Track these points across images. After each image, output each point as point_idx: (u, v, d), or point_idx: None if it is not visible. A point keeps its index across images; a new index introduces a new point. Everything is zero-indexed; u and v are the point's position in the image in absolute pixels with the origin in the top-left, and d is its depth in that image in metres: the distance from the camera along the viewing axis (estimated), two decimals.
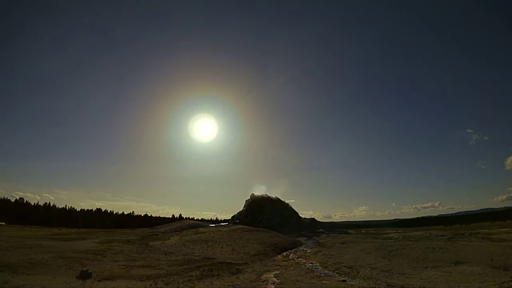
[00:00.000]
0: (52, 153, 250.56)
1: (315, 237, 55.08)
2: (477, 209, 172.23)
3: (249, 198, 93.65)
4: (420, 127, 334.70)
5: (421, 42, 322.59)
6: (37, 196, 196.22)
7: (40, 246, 21.21)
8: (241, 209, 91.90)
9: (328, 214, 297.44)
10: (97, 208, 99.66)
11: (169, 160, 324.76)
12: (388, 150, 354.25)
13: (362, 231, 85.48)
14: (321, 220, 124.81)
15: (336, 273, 18.17)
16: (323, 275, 17.40)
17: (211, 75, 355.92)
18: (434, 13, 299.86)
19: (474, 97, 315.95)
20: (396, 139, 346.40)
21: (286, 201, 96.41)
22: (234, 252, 26.88)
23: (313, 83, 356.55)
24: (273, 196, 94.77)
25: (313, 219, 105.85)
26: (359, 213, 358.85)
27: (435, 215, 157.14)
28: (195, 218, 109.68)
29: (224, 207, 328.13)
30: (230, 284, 13.89)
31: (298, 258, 26.01)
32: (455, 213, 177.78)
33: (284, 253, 30.13)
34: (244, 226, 51.60)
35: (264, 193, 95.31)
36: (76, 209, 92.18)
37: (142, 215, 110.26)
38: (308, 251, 32.03)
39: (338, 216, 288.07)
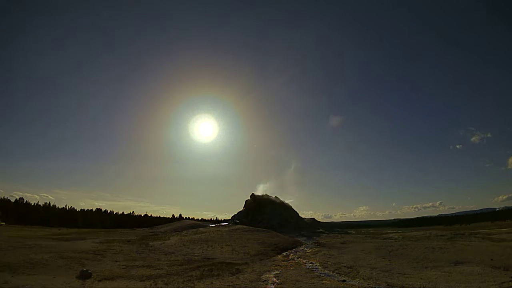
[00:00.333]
0: (51, 153, 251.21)
1: (315, 237, 55.05)
2: (477, 209, 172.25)
3: (249, 198, 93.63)
4: (420, 127, 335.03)
5: (420, 42, 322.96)
6: (37, 196, 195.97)
7: (40, 246, 21.20)
8: (241, 209, 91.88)
9: (328, 214, 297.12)
10: (97, 208, 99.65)
11: (169, 160, 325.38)
12: (389, 150, 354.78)
13: (362, 231, 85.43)
14: (321, 220, 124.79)
15: (336, 273, 18.17)
16: (323, 275, 17.39)
17: (211, 75, 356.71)
18: (434, 13, 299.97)
19: (475, 97, 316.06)
20: (396, 139, 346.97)
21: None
22: (234, 252, 26.88)
23: (313, 83, 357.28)
24: (273, 196, 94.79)
25: (313, 219, 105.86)
26: (359, 213, 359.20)
27: (435, 215, 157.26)
28: (195, 218, 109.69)
29: (224, 207, 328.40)
30: (230, 284, 13.89)
31: (298, 258, 26.00)
32: (455, 213, 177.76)
33: (284, 253, 30.12)
34: (244, 226, 51.58)
35: (264, 193, 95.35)
36: (76, 209, 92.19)
37: (142, 215, 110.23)
38: (308, 251, 32.02)
39: (338, 216, 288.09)
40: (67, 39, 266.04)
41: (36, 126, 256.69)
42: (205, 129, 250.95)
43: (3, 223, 55.32)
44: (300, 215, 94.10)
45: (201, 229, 48.12)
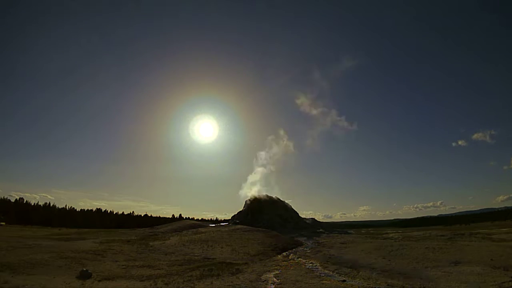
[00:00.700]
0: (51, 153, 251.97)
1: (315, 237, 55.02)
2: (477, 209, 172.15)
3: (249, 198, 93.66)
4: (421, 127, 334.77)
5: (420, 42, 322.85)
6: (36, 196, 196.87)
7: (40, 246, 21.21)
8: (241, 209, 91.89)
9: (328, 214, 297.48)
10: (97, 208, 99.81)
11: (170, 160, 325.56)
12: (389, 149, 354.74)
13: (362, 231, 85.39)
14: (321, 220, 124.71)
15: (336, 273, 18.16)
16: (323, 275, 17.39)
17: (211, 76, 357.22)
18: (434, 13, 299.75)
19: (476, 97, 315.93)
20: (397, 138, 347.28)
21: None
22: (234, 252, 26.87)
23: (313, 83, 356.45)
24: (273, 196, 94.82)
25: (313, 219, 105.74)
26: (360, 213, 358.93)
27: (435, 215, 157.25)
28: (195, 218, 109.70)
29: (224, 207, 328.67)
30: (230, 284, 13.88)
31: (298, 258, 26.00)
32: (456, 213, 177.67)
33: (284, 253, 30.11)
34: (244, 226, 51.57)
35: (264, 193, 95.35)
36: (76, 209, 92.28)
37: (142, 215, 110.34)
38: (308, 251, 32.02)
39: (338, 216, 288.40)
40: (68, 40, 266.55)
41: (35, 126, 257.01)
42: (206, 129, 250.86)
43: (3, 223, 55.33)
44: (300, 215, 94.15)
45: (201, 229, 48.10)
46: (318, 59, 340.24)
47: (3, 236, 28.13)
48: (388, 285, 14.34)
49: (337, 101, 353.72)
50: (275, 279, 15.61)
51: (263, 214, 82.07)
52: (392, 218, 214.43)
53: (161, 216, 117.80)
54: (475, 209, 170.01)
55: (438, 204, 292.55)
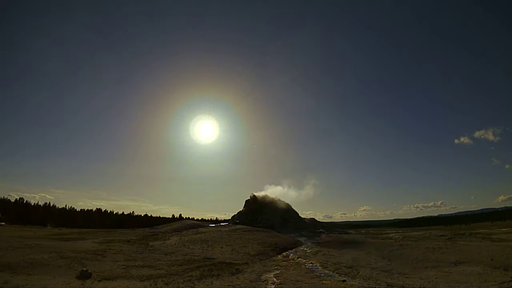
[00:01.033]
0: (50, 153, 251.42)
1: (315, 237, 55.02)
2: (478, 209, 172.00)
3: (249, 198, 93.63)
4: (422, 126, 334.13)
5: (420, 42, 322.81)
6: (36, 196, 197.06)
7: (40, 246, 21.20)
8: (241, 209, 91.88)
9: (329, 214, 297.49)
10: (97, 208, 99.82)
11: (170, 160, 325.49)
12: (390, 149, 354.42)
13: (362, 231, 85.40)
14: (322, 220, 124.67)
15: (336, 273, 18.16)
16: (323, 275, 17.39)
17: (212, 77, 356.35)
18: (435, 13, 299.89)
19: (477, 97, 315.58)
20: (397, 139, 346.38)
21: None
22: (234, 252, 26.87)
23: (313, 84, 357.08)
24: (273, 196, 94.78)
25: (313, 219, 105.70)
26: (360, 213, 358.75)
27: (435, 215, 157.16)
28: (195, 218, 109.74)
29: (224, 207, 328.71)
30: (230, 284, 13.88)
31: (298, 258, 26.00)
32: (456, 212, 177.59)
33: (284, 253, 30.11)
34: (244, 226, 51.56)
35: (264, 193, 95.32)
36: (76, 209, 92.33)
37: (142, 215, 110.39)
38: (308, 251, 32.01)
39: (338, 216, 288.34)
40: (68, 40, 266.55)
41: (35, 127, 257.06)
42: (206, 130, 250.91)
43: (3, 223, 55.32)
44: (300, 215, 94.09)
45: (201, 229, 48.08)
46: (319, 60, 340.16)
47: (3, 236, 28.13)
48: (388, 285, 14.34)
49: (337, 101, 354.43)
50: (275, 279, 15.61)
51: (263, 214, 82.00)
52: (392, 218, 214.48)
53: (160, 216, 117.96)
54: (476, 209, 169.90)
55: (439, 204, 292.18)
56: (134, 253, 22.96)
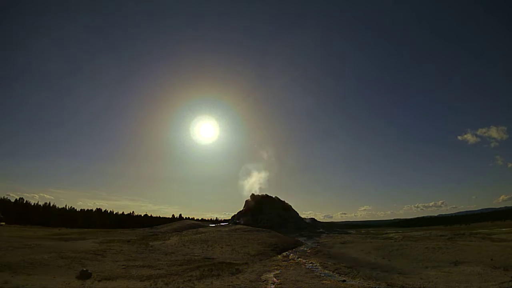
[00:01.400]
0: (50, 154, 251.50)
1: (315, 237, 55.03)
2: (478, 208, 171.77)
3: (249, 198, 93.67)
4: (423, 127, 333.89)
5: (420, 42, 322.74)
6: (35, 195, 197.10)
7: (40, 246, 21.21)
8: (241, 209, 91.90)
9: (329, 214, 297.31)
10: (97, 208, 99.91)
11: (170, 160, 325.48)
12: (390, 149, 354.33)
13: (362, 231, 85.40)
14: (322, 220, 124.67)
15: (336, 273, 18.16)
16: (323, 275, 17.38)
17: (212, 77, 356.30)
18: (435, 13, 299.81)
19: (477, 97, 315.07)
20: (398, 139, 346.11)
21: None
22: (234, 252, 26.87)
23: (313, 84, 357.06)
24: (273, 196, 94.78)
25: (313, 219, 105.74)
26: (361, 213, 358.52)
27: (435, 215, 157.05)
28: (195, 218, 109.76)
29: (224, 207, 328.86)
30: (230, 284, 13.88)
31: (298, 258, 26.00)
32: (457, 212, 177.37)
33: (284, 253, 30.11)
34: (244, 226, 51.58)
35: (264, 193, 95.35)
36: (76, 209, 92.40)
37: (142, 215, 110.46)
38: (308, 251, 32.01)
39: (339, 216, 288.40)
40: (68, 40, 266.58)
41: (35, 127, 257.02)
42: (206, 130, 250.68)
43: (3, 223, 55.31)
44: (300, 215, 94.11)
45: (201, 229, 48.10)
46: (319, 60, 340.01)
47: (3, 236, 28.13)
48: (388, 285, 14.34)
49: (337, 101, 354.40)
50: (275, 279, 15.60)
51: (263, 214, 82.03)
52: (392, 218, 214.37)
53: (160, 216, 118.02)
54: (476, 209, 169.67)
55: (440, 203, 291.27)
56: (134, 253, 22.97)
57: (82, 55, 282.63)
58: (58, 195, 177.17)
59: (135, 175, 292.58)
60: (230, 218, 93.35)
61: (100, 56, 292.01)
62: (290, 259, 25.16)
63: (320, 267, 20.43)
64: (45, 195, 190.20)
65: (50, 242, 24.87)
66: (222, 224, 77.23)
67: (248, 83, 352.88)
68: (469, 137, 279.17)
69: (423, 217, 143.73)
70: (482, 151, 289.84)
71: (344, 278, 16.36)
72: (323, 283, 14.64)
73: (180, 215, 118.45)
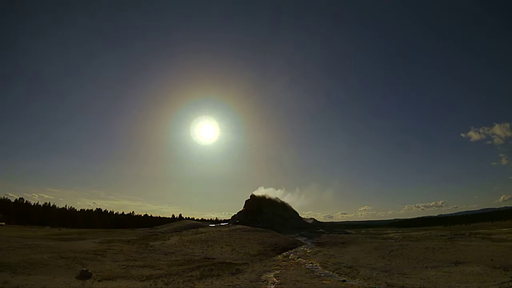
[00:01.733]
0: (49, 154, 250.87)
1: (315, 237, 55.04)
2: (478, 209, 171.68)
3: (249, 198, 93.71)
4: (424, 127, 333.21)
5: (420, 42, 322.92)
6: (35, 195, 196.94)
7: (40, 246, 21.21)
8: (241, 209, 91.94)
9: (329, 214, 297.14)
10: (97, 208, 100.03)
11: (170, 161, 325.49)
12: (390, 149, 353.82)
13: (362, 231, 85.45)
14: (322, 220, 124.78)
15: (336, 273, 18.17)
16: (323, 275, 17.39)
17: (212, 77, 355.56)
18: (435, 14, 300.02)
19: (478, 97, 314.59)
20: (398, 138, 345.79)
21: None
22: (234, 252, 26.88)
23: (314, 84, 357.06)
24: (273, 196, 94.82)
25: (313, 219, 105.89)
26: (361, 213, 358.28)
27: (435, 215, 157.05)
28: (195, 218, 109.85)
29: (224, 207, 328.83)
30: (230, 284, 13.88)
31: (298, 258, 26.00)
32: (457, 212, 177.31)
33: (284, 253, 30.12)
34: (244, 226, 51.57)
35: (263, 193, 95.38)
36: (76, 209, 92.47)
37: (142, 215, 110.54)
38: (308, 251, 32.01)
39: (339, 216, 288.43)
40: (68, 41, 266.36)
41: (35, 127, 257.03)
42: (207, 130, 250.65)
43: (3, 223, 55.34)
44: (300, 215, 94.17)
45: (201, 229, 48.10)
46: (319, 60, 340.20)
47: (3, 236, 28.14)
48: (388, 285, 14.34)
49: (338, 101, 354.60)
50: (275, 279, 15.61)
51: (263, 214, 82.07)
52: (393, 218, 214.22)
53: (160, 216, 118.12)
54: (476, 209, 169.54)
55: (440, 203, 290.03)
56: (134, 253, 22.97)
57: (82, 55, 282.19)
58: (58, 195, 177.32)
59: (135, 175, 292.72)
60: (230, 218, 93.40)
61: (100, 56, 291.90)
62: (290, 259, 25.17)
63: (320, 267, 20.44)
64: (44, 195, 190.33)
65: (50, 242, 24.88)
66: (222, 224, 77.24)
67: (248, 83, 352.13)
68: (471, 134, 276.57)
69: (423, 217, 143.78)
70: (483, 151, 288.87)
71: (344, 278, 16.37)
72: (323, 283, 14.64)
73: (180, 215, 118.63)
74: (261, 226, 58.82)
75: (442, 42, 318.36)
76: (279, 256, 27.90)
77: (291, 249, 34.53)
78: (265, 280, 15.23)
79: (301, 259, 24.82)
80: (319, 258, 24.85)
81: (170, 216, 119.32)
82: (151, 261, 20.17)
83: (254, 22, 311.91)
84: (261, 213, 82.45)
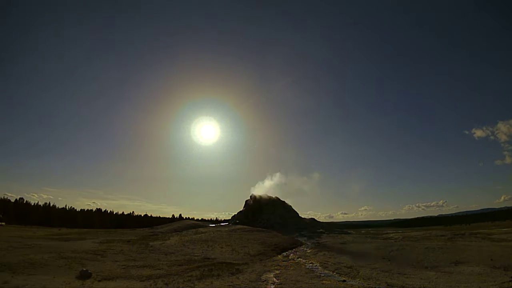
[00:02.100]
0: (49, 154, 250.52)
1: (315, 237, 55.00)
2: (479, 208, 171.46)
3: (249, 198, 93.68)
4: (425, 126, 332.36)
5: (421, 42, 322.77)
6: (34, 195, 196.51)
7: (40, 246, 21.20)
8: (241, 209, 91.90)
9: (330, 214, 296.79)
10: (97, 208, 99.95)
11: (170, 161, 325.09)
12: (390, 149, 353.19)
13: (362, 231, 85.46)
14: (323, 220, 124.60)
15: (336, 273, 18.17)
16: (323, 275, 17.39)
17: (213, 78, 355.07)
18: (434, 13, 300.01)
19: (478, 97, 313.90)
20: (398, 138, 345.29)
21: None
22: (234, 252, 26.87)
23: (314, 84, 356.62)
24: (273, 196, 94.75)
25: (313, 219, 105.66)
26: (362, 212, 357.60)
27: (436, 215, 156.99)
28: (195, 218, 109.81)
29: (224, 207, 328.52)
30: (230, 284, 13.88)
31: (298, 258, 26.00)
32: (457, 212, 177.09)
33: (284, 253, 30.12)
34: (244, 226, 51.56)
35: (264, 193, 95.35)
36: (76, 209, 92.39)
37: (142, 215, 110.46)
38: (308, 251, 32.01)
39: (339, 216, 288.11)
40: (68, 41, 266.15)
41: (35, 128, 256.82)
42: (207, 131, 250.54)
43: (3, 223, 55.31)
44: (300, 215, 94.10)
45: (201, 229, 48.07)
46: (320, 61, 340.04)
47: (3, 236, 28.13)
48: (388, 285, 14.35)
49: (338, 101, 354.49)
50: (275, 279, 15.61)
51: (263, 214, 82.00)
52: (393, 218, 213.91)
53: (160, 216, 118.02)
54: (477, 209, 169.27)
55: (441, 203, 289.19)
56: (134, 253, 22.96)
57: (82, 56, 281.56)
58: (57, 194, 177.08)
59: (135, 175, 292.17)
60: (230, 218, 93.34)
61: (100, 57, 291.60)
62: (290, 259, 25.17)
63: (320, 267, 20.44)
64: (43, 195, 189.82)
65: (50, 242, 24.87)
66: (222, 224, 77.17)
67: (249, 84, 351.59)
68: (475, 131, 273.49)
69: (423, 217, 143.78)
70: (489, 148, 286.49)
71: (344, 278, 16.37)
72: (323, 283, 14.65)
73: (180, 215, 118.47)
74: (261, 226, 58.82)
75: (443, 43, 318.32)
76: (279, 256, 27.90)
77: (291, 249, 34.53)
78: (265, 280, 15.23)
79: (301, 259, 24.82)
80: (319, 258, 24.85)
81: (170, 216, 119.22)
82: (151, 261, 20.17)
83: (254, 23, 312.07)
84: (261, 213, 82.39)
